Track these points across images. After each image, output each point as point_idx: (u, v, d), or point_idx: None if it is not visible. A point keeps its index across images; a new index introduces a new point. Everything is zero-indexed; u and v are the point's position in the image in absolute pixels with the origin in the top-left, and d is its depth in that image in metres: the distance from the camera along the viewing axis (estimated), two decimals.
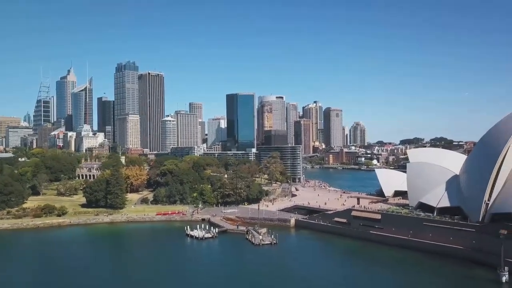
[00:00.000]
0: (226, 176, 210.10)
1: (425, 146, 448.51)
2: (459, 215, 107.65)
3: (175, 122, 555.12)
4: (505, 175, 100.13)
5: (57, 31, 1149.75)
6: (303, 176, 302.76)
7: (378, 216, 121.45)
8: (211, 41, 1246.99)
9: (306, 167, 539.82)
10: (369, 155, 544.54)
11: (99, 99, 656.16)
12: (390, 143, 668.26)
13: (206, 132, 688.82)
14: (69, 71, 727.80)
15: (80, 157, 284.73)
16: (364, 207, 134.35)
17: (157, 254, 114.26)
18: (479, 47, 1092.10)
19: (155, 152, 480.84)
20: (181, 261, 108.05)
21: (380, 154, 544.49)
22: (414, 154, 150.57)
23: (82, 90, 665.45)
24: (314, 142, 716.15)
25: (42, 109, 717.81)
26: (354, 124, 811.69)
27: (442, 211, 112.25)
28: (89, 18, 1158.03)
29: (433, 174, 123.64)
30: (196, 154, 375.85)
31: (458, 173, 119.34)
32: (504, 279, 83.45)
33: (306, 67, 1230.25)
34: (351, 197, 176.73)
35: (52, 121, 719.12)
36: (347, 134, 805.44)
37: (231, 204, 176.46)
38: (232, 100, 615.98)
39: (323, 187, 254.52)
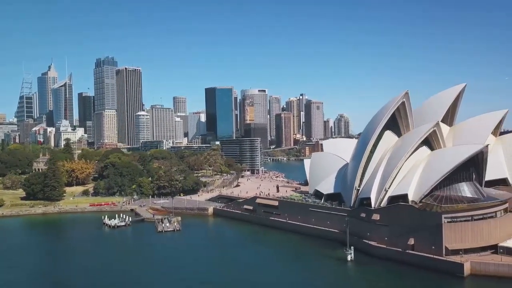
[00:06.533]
0: (174, 169, 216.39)
1: None
2: (340, 201, 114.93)
3: (148, 117, 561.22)
4: (375, 163, 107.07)
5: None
6: (262, 167, 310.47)
7: (276, 203, 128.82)
8: (201, 36, 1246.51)
9: (282, 159, 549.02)
10: None
11: (80, 95, 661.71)
12: None
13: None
14: (49, 67, 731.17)
15: (38, 151, 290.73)
16: (267, 194, 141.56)
17: (54, 239, 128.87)
18: (470, 39, 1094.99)
19: (128, 146, 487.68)
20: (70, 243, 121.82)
21: None
22: (328, 145, 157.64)
23: (62, 86, 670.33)
24: (295, 134, 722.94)
25: (25, 105, 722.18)
26: (338, 116, 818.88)
27: (329, 197, 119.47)
28: (70, 16, 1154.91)
29: (329, 163, 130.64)
30: (164, 148, 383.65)
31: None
32: (349, 257, 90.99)
33: (293, 61, 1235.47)
34: (275, 185, 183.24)
35: (35, 117, 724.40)
36: (331, 126, 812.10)
37: (167, 196, 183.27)
38: (211, 94, 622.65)
39: (275, 177, 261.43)
